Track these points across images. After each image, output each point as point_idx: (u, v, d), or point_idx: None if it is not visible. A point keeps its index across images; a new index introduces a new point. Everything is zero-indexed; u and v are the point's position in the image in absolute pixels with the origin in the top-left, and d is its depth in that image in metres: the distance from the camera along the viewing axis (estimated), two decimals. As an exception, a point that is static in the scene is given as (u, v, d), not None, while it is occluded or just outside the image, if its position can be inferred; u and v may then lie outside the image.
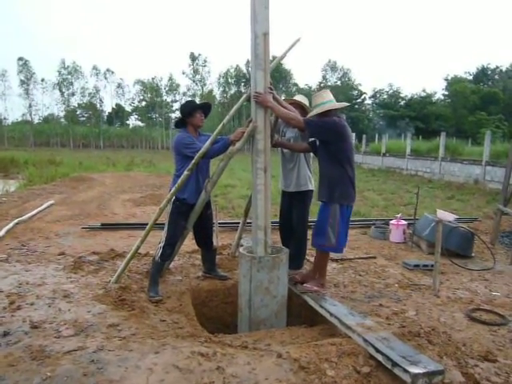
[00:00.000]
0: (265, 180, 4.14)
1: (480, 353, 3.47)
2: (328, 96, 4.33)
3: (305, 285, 4.55)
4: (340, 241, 4.23)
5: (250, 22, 3.98)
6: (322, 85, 76.46)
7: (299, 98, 5.02)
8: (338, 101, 4.38)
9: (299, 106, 4.83)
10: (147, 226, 4.62)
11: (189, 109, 4.78)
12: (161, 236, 4.85)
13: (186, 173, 4.44)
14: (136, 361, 2.89)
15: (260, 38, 3.94)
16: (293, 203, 4.93)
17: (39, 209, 10.09)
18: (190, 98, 75.61)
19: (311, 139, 4.62)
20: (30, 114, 72.48)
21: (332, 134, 4.17)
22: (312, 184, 4.95)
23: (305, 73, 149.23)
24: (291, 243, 4.91)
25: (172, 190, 4.54)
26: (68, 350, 3.05)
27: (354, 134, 29.88)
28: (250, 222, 5.67)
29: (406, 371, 2.75)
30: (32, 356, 2.98)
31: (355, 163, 4.42)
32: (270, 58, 4.12)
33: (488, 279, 5.77)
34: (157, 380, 2.68)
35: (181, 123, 4.87)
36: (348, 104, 4.48)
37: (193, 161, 4.42)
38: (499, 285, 5.52)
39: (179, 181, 4.47)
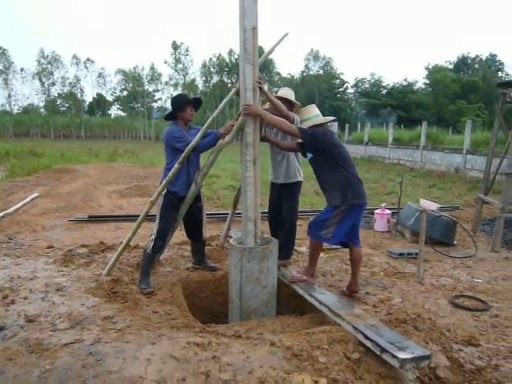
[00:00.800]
0: (254, 172, 4.21)
1: (463, 338, 3.62)
2: (314, 111, 4.42)
3: (294, 274, 4.64)
4: (336, 236, 4.30)
5: (239, 16, 4.01)
6: (304, 74, 76.49)
7: (284, 91, 5.02)
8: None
9: (285, 100, 4.86)
10: (138, 219, 4.65)
11: (180, 103, 4.81)
12: (151, 228, 4.89)
13: (176, 166, 4.48)
14: (133, 352, 2.95)
15: (249, 32, 3.99)
16: (282, 195, 4.98)
17: (24, 201, 10.02)
18: (172, 88, 75.05)
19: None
20: (10, 104, 71.20)
21: (325, 142, 4.25)
22: (301, 175, 5.00)
23: (287, 62, 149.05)
24: (280, 233, 4.97)
25: (163, 183, 4.58)
26: (65, 343, 3.09)
27: (336, 124, 30.15)
28: (238, 213, 5.77)
29: (394, 357, 2.87)
30: (30, 349, 3.02)
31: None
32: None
33: (470, 266, 5.95)
34: (155, 370, 2.75)
35: (171, 116, 4.90)
36: (334, 118, 4.57)
37: (183, 154, 4.47)
38: (481, 272, 5.70)
39: (170, 174, 4.52)
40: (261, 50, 4.38)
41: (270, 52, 4.99)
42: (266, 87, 4.35)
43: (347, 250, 6.25)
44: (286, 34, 4.86)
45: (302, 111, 4.52)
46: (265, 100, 4.85)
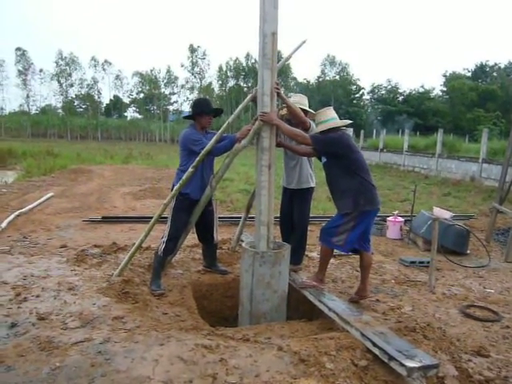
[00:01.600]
0: (269, 177, 4.23)
1: (473, 348, 3.58)
2: (331, 113, 4.40)
3: (304, 279, 4.64)
4: (348, 243, 4.29)
5: (259, 21, 4.04)
6: (320, 79, 76.43)
7: (297, 98, 5.00)
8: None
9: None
10: (151, 221, 4.69)
11: (200, 110, 4.85)
12: (163, 230, 4.93)
13: (190, 170, 4.51)
14: (142, 352, 2.99)
15: (268, 37, 4.01)
16: (294, 200, 4.98)
17: (39, 201, 10.16)
18: (188, 91, 75.49)
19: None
20: (28, 105, 72.41)
21: (340, 147, 4.23)
22: (313, 181, 4.99)
23: (303, 67, 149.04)
24: (292, 238, 4.97)
25: (176, 186, 4.60)
26: (75, 342, 3.13)
27: (351, 129, 30.02)
28: (250, 217, 5.78)
29: (402, 365, 2.85)
30: (40, 347, 3.07)
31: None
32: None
33: (482, 276, 5.89)
34: (162, 371, 2.77)
35: (190, 117, 4.95)
36: (350, 122, 4.54)
37: (197, 158, 4.49)
38: (493, 282, 5.64)
39: (184, 177, 4.54)
40: (278, 55, 4.39)
41: (288, 59, 5.01)
42: (281, 91, 4.35)
43: (358, 256, 6.30)
44: (304, 42, 4.86)
45: (318, 113, 4.48)
46: (281, 104, 4.86)
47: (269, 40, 4.01)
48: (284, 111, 4.79)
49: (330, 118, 4.36)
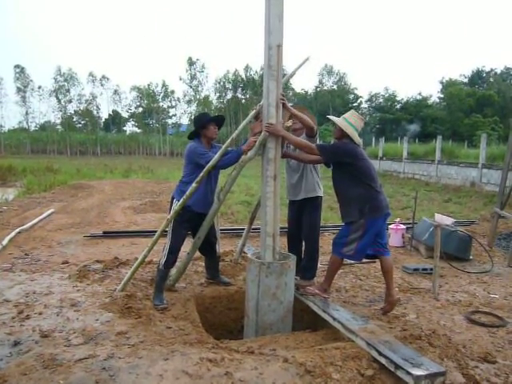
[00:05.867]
0: (274, 188, 4.22)
1: (480, 354, 3.56)
2: (359, 125, 4.38)
3: (307, 288, 4.62)
4: (359, 251, 4.29)
5: (264, 33, 4.07)
6: (318, 89, 76.75)
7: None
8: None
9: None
10: (155, 236, 4.66)
11: (203, 121, 4.86)
12: (164, 244, 4.92)
13: (193, 185, 4.49)
14: (146, 368, 2.96)
15: (274, 49, 4.04)
16: (304, 211, 4.87)
17: (40, 217, 10.16)
18: (186, 104, 75.81)
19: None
20: (27, 122, 72.65)
21: (347, 155, 4.24)
22: (321, 190, 4.90)
23: (301, 77, 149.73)
24: (304, 253, 4.93)
25: (180, 202, 4.57)
26: (79, 358, 3.10)
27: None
28: (254, 229, 5.77)
29: (408, 373, 2.83)
30: (44, 364, 3.03)
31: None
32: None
33: (486, 282, 5.87)
34: (168, 386, 2.75)
35: (194, 135, 4.95)
36: (361, 144, 4.51)
37: (201, 173, 4.48)
38: (497, 287, 5.62)
39: (188, 192, 4.51)
40: (282, 71, 4.37)
41: (292, 75, 5.03)
42: (287, 101, 4.35)
43: (361, 265, 6.30)
44: (307, 59, 4.88)
45: (355, 115, 4.44)
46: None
47: (274, 52, 4.04)
48: (290, 122, 4.77)
49: (356, 126, 4.34)
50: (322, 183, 4.96)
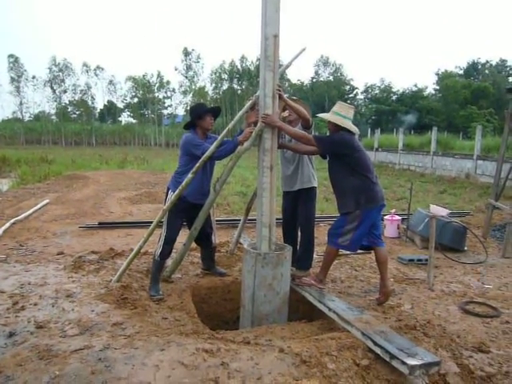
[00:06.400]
0: (270, 178, 4.22)
1: (474, 344, 3.58)
2: (351, 113, 4.36)
3: (303, 279, 4.63)
4: (354, 242, 4.31)
5: (261, 23, 4.04)
6: (314, 80, 76.55)
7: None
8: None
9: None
10: (150, 227, 4.63)
11: (199, 112, 4.84)
12: (160, 234, 4.91)
13: (189, 176, 4.47)
14: (142, 358, 2.96)
15: (270, 39, 4.01)
16: (299, 201, 4.86)
17: (35, 208, 10.11)
18: (181, 95, 75.50)
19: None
20: (21, 112, 72.14)
21: (344, 147, 4.23)
22: (316, 181, 4.90)
23: (297, 69, 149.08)
24: (300, 244, 4.93)
25: (176, 192, 4.55)
26: (75, 349, 3.10)
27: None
28: (249, 220, 5.75)
29: (403, 363, 2.85)
30: (39, 355, 3.03)
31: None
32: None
33: (480, 272, 5.89)
34: (164, 376, 2.75)
35: (190, 125, 4.93)
36: (359, 133, 4.48)
37: (197, 164, 4.46)
38: (491, 278, 5.65)
39: (183, 183, 4.49)
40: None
41: (288, 66, 4.98)
42: (283, 92, 4.32)
43: (356, 256, 6.32)
44: (304, 49, 4.84)
45: (342, 105, 4.40)
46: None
47: (270, 42, 4.01)
48: (286, 113, 4.75)
49: (348, 117, 4.33)
50: (316, 174, 4.96)
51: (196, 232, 4.93)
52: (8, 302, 4.09)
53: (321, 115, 4.55)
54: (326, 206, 11.29)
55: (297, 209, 4.90)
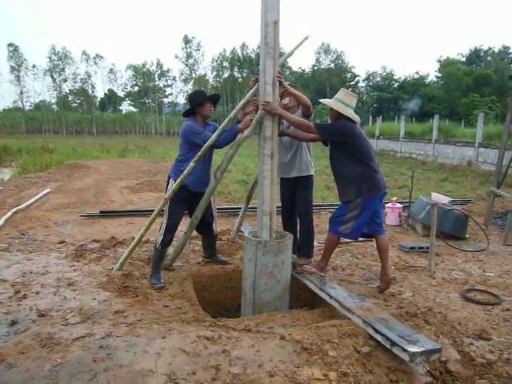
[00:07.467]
0: (271, 166, 4.19)
1: (475, 331, 3.59)
2: (354, 102, 4.31)
3: (304, 266, 4.63)
4: (356, 230, 4.30)
5: (261, 10, 3.99)
6: (315, 68, 76.10)
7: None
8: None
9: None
10: (152, 215, 4.64)
11: (199, 99, 4.81)
12: (161, 223, 4.91)
13: (191, 164, 4.44)
14: (144, 346, 2.97)
15: (270, 26, 3.95)
16: (297, 189, 4.85)
17: (36, 197, 10.12)
18: (182, 83, 75.18)
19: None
20: (22, 101, 71.87)
21: (344, 135, 4.20)
22: (313, 169, 4.89)
23: (298, 56, 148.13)
24: (300, 232, 4.92)
25: (177, 181, 4.55)
26: (76, 337, 3.10)
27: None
28: (251, 208, 5.74)
29: (404, 350, 2.85)
30: (41, 343, 3.04)
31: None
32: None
33: (482, 260, 5.90)
34: (165, 364, 2.76)
35: (189, 112, 4.91)
36: (360, 122, 4.44)
37: (199, 153, 4.43)
38: (493, 265, 5.65)
39: (185, 171, 4.48)
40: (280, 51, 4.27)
41: (290, 54, 4.94)
42: (283, 80, 4.28)
43: (358, 243, 6.32)
44: (307, 38, 4.77)
45: (345, 92, 4.34)
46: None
47: (271, 29, 3.96)
48: (286, 101, 4.71)
49: (351, 105, 4.28)
50: (314, 162, 4.96)
51: (197, 220, 4.93)
52: (10, 291, 4.11)
53: (324, 101, 4.52)
54: (328, 194, 11.29)
55: (295, 196, 4.89)
